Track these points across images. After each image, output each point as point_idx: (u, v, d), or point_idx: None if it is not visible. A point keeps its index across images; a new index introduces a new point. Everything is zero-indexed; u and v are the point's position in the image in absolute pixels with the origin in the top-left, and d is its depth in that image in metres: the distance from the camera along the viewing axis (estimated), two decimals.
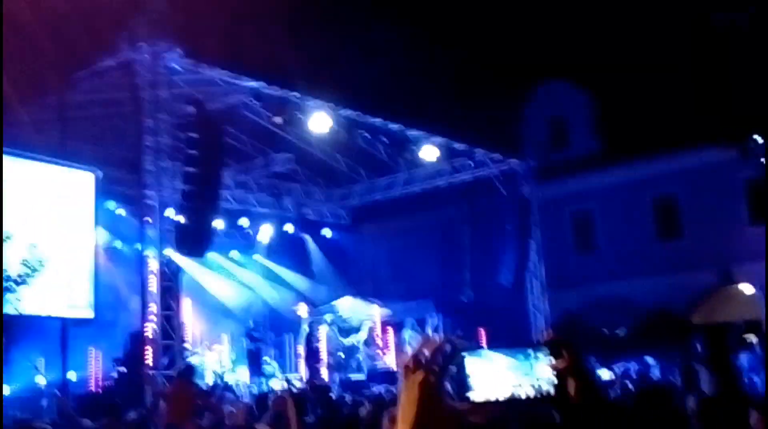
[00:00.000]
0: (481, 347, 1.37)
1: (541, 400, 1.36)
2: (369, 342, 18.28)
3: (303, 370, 17.30)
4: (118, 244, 17.80)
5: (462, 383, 1.34)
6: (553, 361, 1.34)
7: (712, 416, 4.89)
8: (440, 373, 1.31)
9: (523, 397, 1.36)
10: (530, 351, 1.35)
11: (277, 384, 16.36)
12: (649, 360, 14.33)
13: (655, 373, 12.35)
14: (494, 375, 1.34)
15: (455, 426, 1.29)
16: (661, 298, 21.46)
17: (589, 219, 24.88)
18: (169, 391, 11.62)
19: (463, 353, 1.35)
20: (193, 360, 15.36)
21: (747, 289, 21.55)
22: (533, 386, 1.34)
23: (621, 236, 23.57)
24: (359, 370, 17.96)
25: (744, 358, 12.24)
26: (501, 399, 1.35)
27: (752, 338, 16.25)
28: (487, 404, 1.34)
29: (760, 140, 7.07)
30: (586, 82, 25.05)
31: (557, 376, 1.33)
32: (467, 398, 1.33)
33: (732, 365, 8.34)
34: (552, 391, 1.34)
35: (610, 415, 1.38)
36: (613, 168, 23.23)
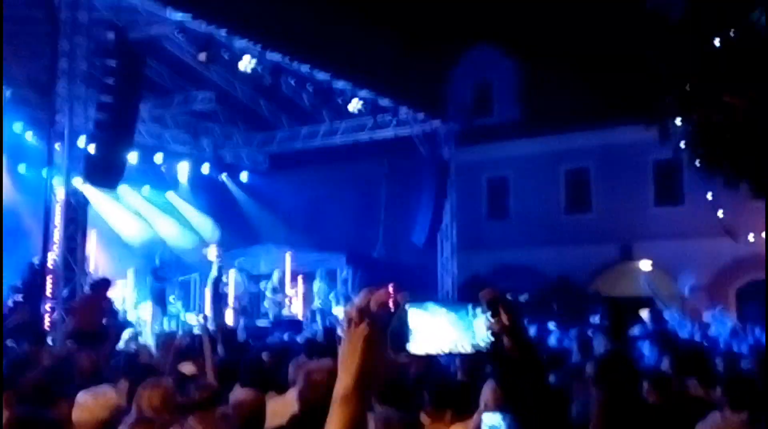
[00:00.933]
0: (426, 300, 1.37)
1: (478, 355, 1.38)
2: (277, 289, 18.24)
3: (208, 313, 17.14)
4: (22, 168, 17.11)
5: (402, 335, 1.35)
6: (491, 319, 1.37)
7: (607, 378, 5.10)
8: (383, 326, 1.33)
9: (462, 351, 1.38)
10: (469, 307, 1.37)
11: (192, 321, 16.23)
12: (550, 325, 14.83)
13: (553, 339, 12.81)
14: (435, 329, 1.35)
15: (395, 377, 1.31)
16: (565, 269, 22.20)
17: (504, 186, 25.40)
18: (77, 303, 11.44)
19: (407, 305, 1.35)
20: None
21: (645, 265, 22.51)
22: (471, 342, 1.36)
23: (532, 205, 24.18)
24: (265, 316, 17.96)
25: (636, 331, 12.85)
26: (440, 352, 1.36)
27: (645, 313, 17.01)
28: (424, 357, 1.36)
29: (679, 123, 7.36)
30: (515, 49, 25.31)
31: (494, 333, 1.36)
32: (406, 350, 1.34)
33: (626, 335, 8.72)
34: (489, 347, 1.36)
35: (542, 372, 1.42)
36: (532, 138, 23.71)
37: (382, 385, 1.24)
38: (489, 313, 1.38)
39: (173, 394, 4.56)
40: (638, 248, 22.73)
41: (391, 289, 1.38)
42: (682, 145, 7.68)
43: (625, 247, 22.98)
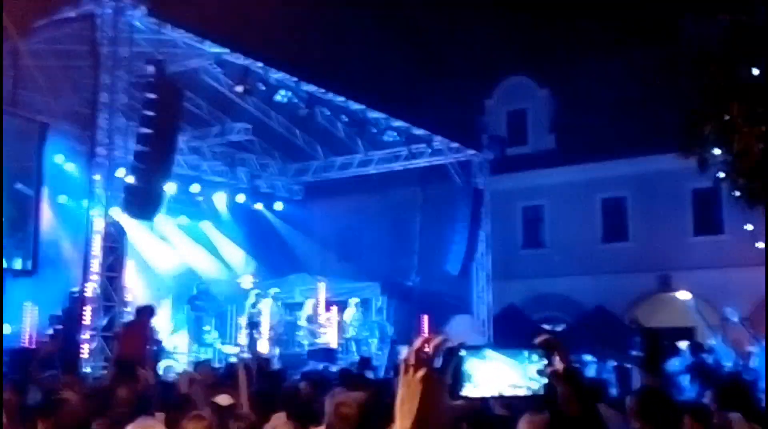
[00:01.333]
0: (483, 347, 1.38)
1: (533, 399, 1.39)
2: (311, 319, 18.26)
3: (243, 342, 17.21)
4: (64, 199, 17.43)
5: (459, 380, 1.36)
6: (545, 363, 1.38)
7: (648, 412, 5.01)
8: (442, 371, 1.33)
9: (517, 394, 1.39)
10: (526, 352, 1.38)
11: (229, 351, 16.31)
12: (587, 357, 14.62)
13: (591, 370, 12.62)
14: (491, 373, 1.37)
15: (452, 423, 1.32)
16: (601, 298, 21.90)
17: (539, 215, 25.23)
18: (122, 330, 11.57)
19: (463, 351, 1.36)
20: None
21: (683, 296, 22.12)
22: (527, 387, 1.38)
23: (568, 234, 23.96)
24: (299, 346, 17.96)
25: (675, 363, 12.60)
26: (495, 395, 1.38)
27: (683, 345, 16.71)
28: (479, 399, 1.37)
29: (717, 152, 7.28)
30: (549, 79, 25.31)
31: (548, 377, 1.36)
32: (462, 395, 1.36)
33: (663, 367, 8.58)
34: (544, 391, 1.37)
35: (598, 421, 1.41)
36: (567, 166, 23.57)
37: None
38: (544, 358, 1.38)
39: (214, 427, 4.59)
40: (677, 278, 22.36)
41: (443, 336, 1.38)
42: (721, 174, 7.59)
43: (664, 276, 22.63)
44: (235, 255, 21.95)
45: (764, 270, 15.91)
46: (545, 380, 1.38)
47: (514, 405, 5.46)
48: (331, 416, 4.37)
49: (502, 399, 1.39)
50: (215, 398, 6.18)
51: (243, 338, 17.27)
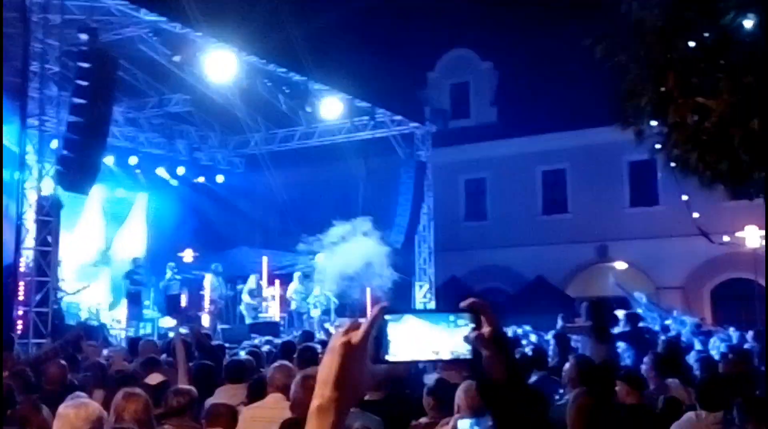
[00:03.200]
0: (405, 312, 1.36)
1: (457, 362, 1.37)
2: (254, 293, 18.14)
3: (184, 317, 17.01)
4: None
5: (381, 346, 1.34)
6: (472, 327, 1.36)
7: (586, 379, 5.11)
8: (363, 338, 1.32)
9: (441, 359, 1.37)
10: (450, 316, 1.36)
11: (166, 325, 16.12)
12: (527, 327, 14.88)
13: (531, 339, 12.84)
14: (414, 339, 1.36)
15: (374, 387, 1.31)
16: (541, 269, 22.32)
17: (481, 187, 25.49)
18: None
19: (386, 317, 1.35)
20: (67, 298, 14.87)
21: (620, 266, 22.68)
22: (451, 351, 1.36)
23: (510, 206, 24.28)
24: (241, 320, 17.85)
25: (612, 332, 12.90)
26: (418, 360, 1.36)
27: (620, 313, 17.11)
28: (401, 363, 1.35)
29: (654, 124, 7.40)
30: (491, 52, 25.41)
31: (473, 342, 1.35)
32: (385, 360, 1.34)
33: (611, 336, 8.74)
34: (470, 356, 1.36)
35: (526, 389, 1.40)
36: (509, 139, 23.81)
37: (362, 398, 1.26)
38: (471, 322, 1.36)
39: (150, 406, 4.51)
40: (614, 248, 22.91)
41: (382, 304, 1.37)
42: (657, 146, 7.72)
43: (601, 247, 23.16)
44: (175, 228, 21.59)
45: (698, 239, 16.39)
46: (470, 345, 1.36)
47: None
48: (297, 389, 4.35)
49: (429, 362, 1.37)
50: (146, 379, 6.08)
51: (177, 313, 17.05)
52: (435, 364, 5.77)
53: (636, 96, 7.80)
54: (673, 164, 8.04)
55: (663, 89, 7.34)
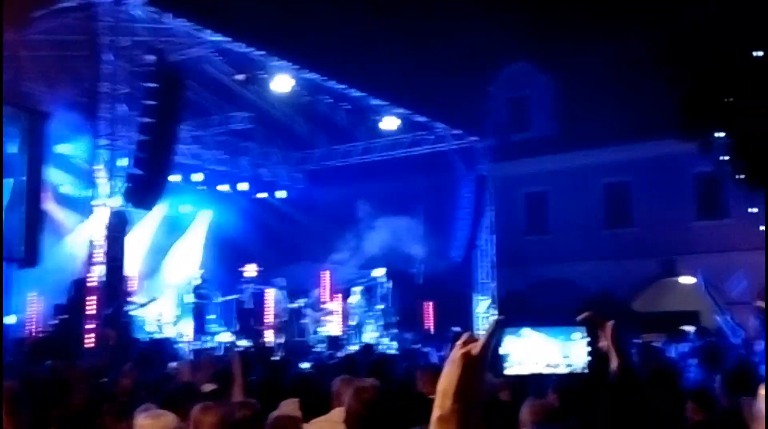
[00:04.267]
0: (522, 325, 1.39)
1: (574, 377, 1.39)
2: (316, 306, 18.28)
3: (248, 331, 17.24)
4: (68, 188, 17.44)
5: (498, 359, 1.38)
6: (588, 341, 1.38)
7: (651, 397, 5.00)
8: (483, 350, 1.35)
9: (557, 373, 1.39)
10: (567, 330, 1.38)
11: (224, 339, 16.37)
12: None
13: None
14: (530, 352, 1.38)
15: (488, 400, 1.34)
16: (605, 284, 21.92)
17: (543, 201, 25.22)
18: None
19: (504, 329, 1.39)
20: (134, 312, 15.21)
21: (688, 281, 22.12)
22: (568, 365, 1.37)
23: (572, 220, 23.95)
24: (303, 334, 17.98)
25: (681, 348, 12.58)
26: (534, 373, 1.38)
27: (689, 328, 16.68)
28: (518, 377, 1.38)
29: (720, 135, 7.24)
30: (550, 65, 25.20)
31: (593, 355, 1.36)
32: (503, 373, 1.38)
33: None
34: (586, 370, 1.37)
35: (645, 396, 1.41)
36: (570, 152, 23.53)
37: (482, 409, 1.30)
38: (586, 335, 1.38)
39: (229, 416, 4.62)
40: (681, 263, 22.36)
41: (499, 317, 1.40)
42: (723, 157, 7.55)
43: (667, 261, 22.63)
44: (239, 243, 21.94)
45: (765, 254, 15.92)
46: (587, 358, 1.37)
47: (516, 390, 5.48)
48: (351, 401, 4.39)
49: (542, 377, 1.40)
50: (203, 387, 6.21)
51: (247, 328, 17.31)
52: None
53: (701, 107, 7.66)
54: (739, 176, 7.85)
55: (728, 100, 7.20)
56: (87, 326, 12.06)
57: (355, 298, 18.74)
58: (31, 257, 13.67)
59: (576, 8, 22.08)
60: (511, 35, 24.34)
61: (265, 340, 16.13)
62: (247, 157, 21.53)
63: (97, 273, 12.40)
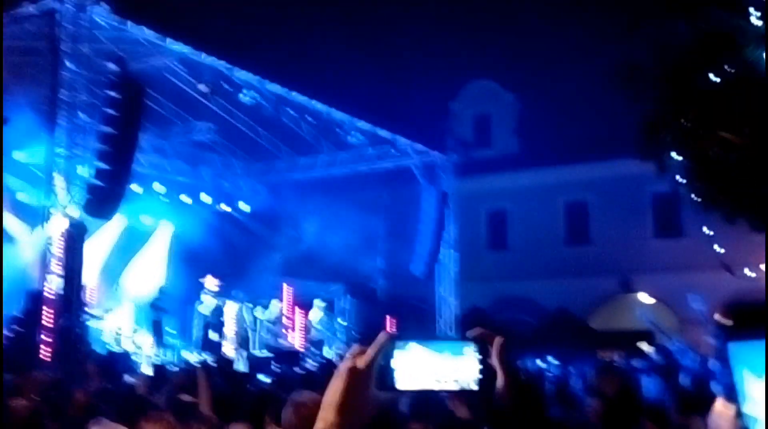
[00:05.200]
0: (410, 339, 1.38)
1: (462, 393, 1.38)
2: (275, 321, 18.16)
3: (207, 344, 17.06)
4: (23, 196, 17.12)
5: (386, 373, 1.35)
6: (479, 357, 1.37)
7: (615, 419, 5.07)
8: (369, 363, 1.34)
9: (447, 389, 1.38)
10: (457, 345, 1.37)
11: (186, 355, 16.17)
12: (550, 358, 14.75)
13: (554, 371, 12.73)
14: (420, 367, 1.37)
15: (374, 413, 1.33)
16: (564, 300, 22.15)
17: (504, 218, 25.45)
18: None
19: (393, 344, 1.37)
20: (91, 324, 14.95)
21: (644, 298, 22.46)
22: (456, 381, 1.36)
23: (532, 237, 24.20)
24: (263, 348, 17.85)
25: (636, 365, 12.76)
26: (424, 389, 1.37)
27: (645, 346, 16.94)
28: (405, 392, 1.36)
29: (677, 157, 7.39)
30: (514, 84, 25.52)
31: (482, 372, 1.36)
32: (389, 387, 1.35)
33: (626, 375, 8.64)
34: (475, 387, 1.36)
35: (538, 413, 1.41)
36: (530, 170, 23.80)
37: (366, 424, 1.27)
38: (478, 352, 1.37)
39: (175, 427, 4.55)
40: (638, 280, 22.71)
41: (389, 333, 1.39)
42: (680, 179, 7.71)
43: (625, 279, 22.97)
44: (198, 255, 21.72)
45: (723, 272, 16.20)
46: (477, 375, 1.37)
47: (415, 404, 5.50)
48: (290, 416, 4.35)
49: (434, 393, 1.39)
50: (179, 395, 6.13)
51: (206, 341, 17.12)
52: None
53: (658, 129, 7.82)
54: (695, 197, 8.01)
55: (686, 122, 7.36)
56: (43, 338, 11.81)
57: (317, 313, 18.67)
58: None
59: (539, 30, 22.41)
60: (475, 53, 24.61)
61: (225, 353, 15.95)
62: (210, 168, 21.35)
63: (55, 284, 12.17)
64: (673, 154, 7.60)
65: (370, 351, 1.36)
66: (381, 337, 1.37)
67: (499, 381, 1.37)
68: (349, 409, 1.32)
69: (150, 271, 20.39)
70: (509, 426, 1.38)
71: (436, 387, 1.36)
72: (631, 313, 21.77)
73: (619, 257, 22.64)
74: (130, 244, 20.46)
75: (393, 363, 1.36)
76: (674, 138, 7.34)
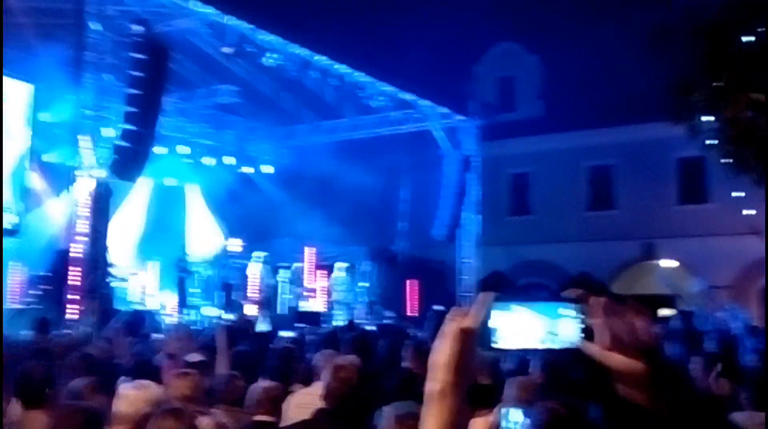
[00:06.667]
0: (511, 300, 1.42)
1: (565, 353, 1.42)
2: (298, 282, 18.33)
3: (229, 304, 17.28)
4: (52, 158, 17.29)
5: (487, 333, 1.42)
6: (581, 317, 1.40)
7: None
8: (476, 323, 1.38)
9: (548, 347, 1.41)
10: (554, 306, 1.40)
11: (207, 313, 16.42)
12: None
13: None
14: (520, 327, 1.43)
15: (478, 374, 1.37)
16: (586, 265, 22.08)
17: (527, 182, 25.31)
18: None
19: (494, 305, 1.43)
20: (116, 284, 15.17)
21: (667, 264, 22.35)
22: (557, 341, 1.40)
23: (555, 201, 24.07)
24: (286, 309, 18.05)
25: (658, 330, 12.72)
26: (525, 348, 1.41)
27: (666, 312, 16.88)
28: (511, 351, 1.41)
29: (708, 119, 7.27)
30: (538, 46, 25.19)
31: (583, 330, 1.39)
32: (493, 347, 1.42)
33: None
34: (577, 344, 1.40)
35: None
36: (555, 134, 23.59)
37: (475, 380, 1.34)
38: (575, 312, 1.40)
39: (201, 384, 4.64)
40: (661, 246, 22.58)
41: (491, 294, 1.42)
42: (710, 142, 7.60)
43: (648, 244, 22.83)
44: (223, 217, 21.91)
45: (748, 238, 16.03)
46: (579, 334, 1.39)
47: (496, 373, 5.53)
48: (330, 379, 4.44)
49: (535, 352, 1.43)
50: (186, 357, 6.23)
51: (230, 301, 17.34)
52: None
53: (689, 91, 7.70)
54: (725, 160, 7.92)
55: (718, 84, 7.24)
56: (70, 297, 12.01)
57: (339, 274, 18.80)
58: (17, 228, 13.62)
59: None
60: (500, 15, 24.29)
61: (248, 314, 16.15)
62: (233, 131, 21.40)
63: (81, 244, 12.34)
64: (704, 117, 7.48)
65: (475, 311, 1.39)
66: (484, 298, 1.41)
67: (602, 340, 1.38)
68: (462, 368, 1.35)
69: (195, 233, 20.72)
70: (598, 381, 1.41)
71: (539, 346, 1.39)
72: (653, 279, 21.71)
73: (643, 223, 22.49)
74: (160, 206, 20.69)
75: (494, 323, 1.40)
76: (706, 100, 7.23)
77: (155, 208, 20.61)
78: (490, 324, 1.41)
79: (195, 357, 6.26)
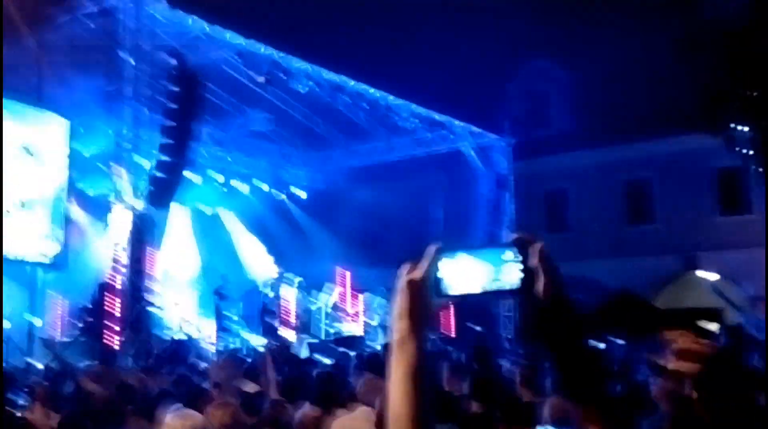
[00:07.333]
0: (456, 250, 1.48)
1: (508, 292, 1.47)
2: (336, 307, 18.35)
3: (267, 329, 17.33)
4: (91, 191, 17.61)
5: (437, 281, 1.49)
6: (519, 261, 1.45)
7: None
8: (424, 274, 1.49)
9: (491, 290, 1.47)
10: (498, 251, 1.45)
11: (247, 338, 16.50)
12: (618, 342, 14.51)
13: (621, 352, 12.54)
14: (465, 274, 1.48)
15: (432, 322, 1.52)
16: (627, 281, 21.78)
17: (563, 198, 25.11)
18: None
19: (439, 255, 1.50)
20: (155, 311, 15.32)
21: (710, 277, 21.95)
22: (498, 285, 1.47)
23: (593, 217, 23.84)
24: (325, 334, 18.05)
25: None
26: (470, 292, 1.48)
27: (710, 325, 16.54)
28: (455, 297, 1.48)
29: (745, 129, 7.15)
30: (570, 61, 25.09)
31: (523, 271, 1.44)
32: (441, 294, 1.48)
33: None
34: (516, 286, 1.45)
35: (575, 311, 1.49)
36: (590, 149, 23.41)
37: (431, 327, 1.44)
38: (517, 256, 1.45)
39: (240, 413, 4.67)
40: (703, 259, 22.19)
41: (435, 245, 1.51)
42: (748, 152, 7.46)
43: (690, 257, 22.46)
44: (260, 244, 22.08)
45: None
46: (520, 276, 1.44)
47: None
48: (382, 404, 4.45)
49: (480, 295, 1.48)
50: (242, 385, 6.27)
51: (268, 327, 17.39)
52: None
53: (724, 101, 7.59)
54: (760, 169, 7.78)
55: (752, 93, 7.13)
56: (109, 326, 12.18)
57: (375, 297, 18.78)
58: (59, 261, 13.86)
59: (594, 2, 21.97)
60: (530, 30, 24.27)
61: (287, 339, 16.20)
62: (268, 157, 21.62)
63: (120, 274, 12.52)
64: (740, 127, 7.37)
65: (424, 263, 1.50)
66: (430, 249, 1.51)
67: (540, 281, 1.44)
68: (416, 316, 1.48)
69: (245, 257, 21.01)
70: (549, 324, 1.46)
71: (480, 291, 1.44)
72: (696, 292, 21.31)
73: (684, 235, 22.15)
74: (199, 233, 20.97)
75: (442, 272, 1.48)
76: (740, 110, 7.12)
77: (200, 235, 20.88)
78: (439, 274, 1.48)
79: (250, 386, 6.30)
